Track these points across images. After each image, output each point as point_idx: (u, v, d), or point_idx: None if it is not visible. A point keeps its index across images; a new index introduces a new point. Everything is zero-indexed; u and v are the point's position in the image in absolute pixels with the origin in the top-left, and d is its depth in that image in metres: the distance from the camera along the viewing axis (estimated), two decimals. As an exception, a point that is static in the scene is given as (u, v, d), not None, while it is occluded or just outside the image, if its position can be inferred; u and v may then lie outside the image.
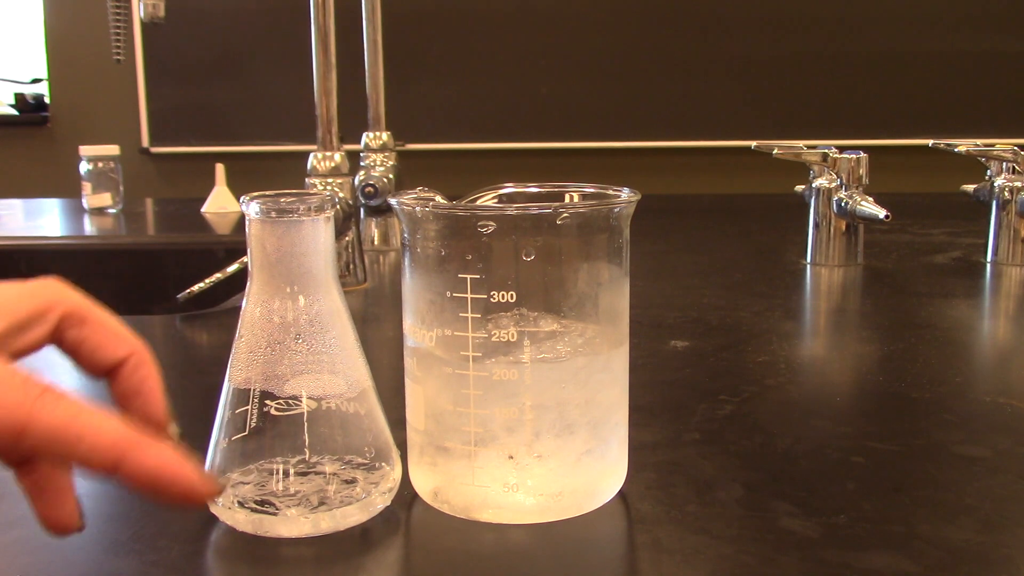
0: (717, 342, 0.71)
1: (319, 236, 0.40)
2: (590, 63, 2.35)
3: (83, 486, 0.45)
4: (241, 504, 0.39)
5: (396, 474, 0.42)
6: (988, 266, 1.01)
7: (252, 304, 0.41)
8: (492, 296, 0.38)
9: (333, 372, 0.41)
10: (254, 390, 0.40)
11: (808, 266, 1.01)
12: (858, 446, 0.49)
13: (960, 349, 0.72)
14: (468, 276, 0.38)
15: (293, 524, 0.39)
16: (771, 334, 0.74)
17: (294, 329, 0.40)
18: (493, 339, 0.38)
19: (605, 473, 0.42)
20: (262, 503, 0.39)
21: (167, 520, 0.41)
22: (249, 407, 0.40)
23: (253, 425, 0.40)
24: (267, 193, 0.40)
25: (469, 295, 0.38)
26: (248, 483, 0.40)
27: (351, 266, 0.93)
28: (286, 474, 0.40)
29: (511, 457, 0.39)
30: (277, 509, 0.39)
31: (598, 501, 0.41)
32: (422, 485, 0.42)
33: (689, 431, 0.51)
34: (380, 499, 0.41)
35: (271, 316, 0.40)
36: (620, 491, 0.43)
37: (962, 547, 0.38)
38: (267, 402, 0.40)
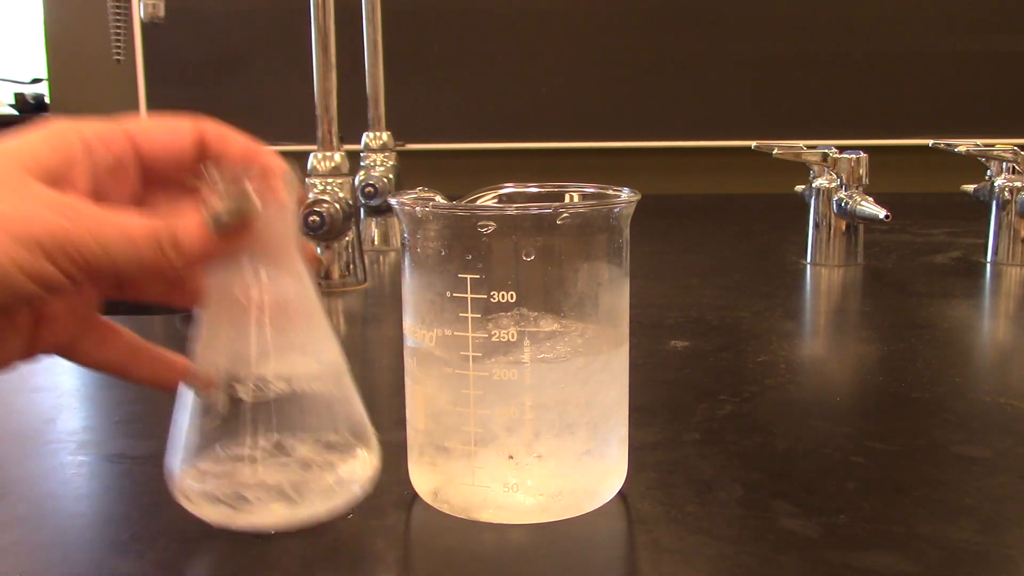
0: (717, 342, 0.71)
1: (281, 209, 0.38)
2: (590, 63, 2.35)
3: (82, 486, 0.45)
4: (211, 496, 0.37)
5: (375, 459, 0.40)
6: (988, 266, 1.01)
7: (214, 283, 0.38)
8: (492, 296, 0.38)
9: (303, 352, 0.39)
10: (219, 374, 0.38)
11: (808, 266, 1.01)
12: (858, 446, 0.49)
13: (960, 349, 0.72)
14: (468, 276, 0.38)
15: (268, 514, 0.37)
16: (771, 334, 0.74)
17: (258, 308, 0.37)
18: (493, 339, 0.38)
19: (605, 473, 0.42)
20: (234, 494, 0.37)
21: (167, 520, 0.41)
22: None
23: (220, 411, 0.37)
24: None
25: (469, 295, 0.38)
26: (218, 472, 0.37)
27: (351, 266, 0.93)
28: (257, 461, 0.38)
29: (511, 457, 0.39)
30: (250, 500, 0.37)
31: (598, 501, 0.41)
32: (422, 485, 0.42)
33: (689, 431, 0.51)
34: (359, 486, 0.39)
35: (234, 295, 0.38)
36: (620, 491, 0.43)
37: (962, 547, 0.38)
38: (234, 385, 0.37)
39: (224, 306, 0.38)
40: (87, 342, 0.38)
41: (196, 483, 0.37)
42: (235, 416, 0.37)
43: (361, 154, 1.18)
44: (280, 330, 0.38)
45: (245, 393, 0.37)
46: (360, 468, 0.39)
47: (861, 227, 1.01)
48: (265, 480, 0.37)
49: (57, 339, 0.37)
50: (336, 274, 0.92)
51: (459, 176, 2.28)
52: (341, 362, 0.40)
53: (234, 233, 0.34)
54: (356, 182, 1.09)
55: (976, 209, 1.07)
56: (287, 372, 0.38)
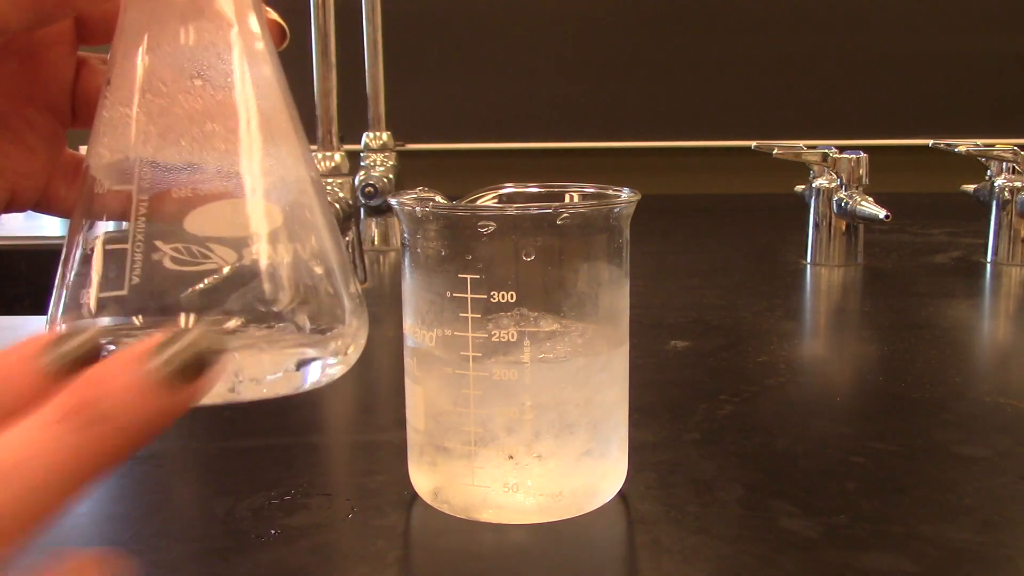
0: (717, 342, 0.71)
1: None
2: (590, 63, 2.35)
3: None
4: None
5: (352, 331, 0.27)
6: (988, 266, 1.01)
7: (117, 54, 0.25)
8: (492, 296, 0.38)
9: (255, 171, 0.25)
10: (115, 185, 0.25)
11: (808, 266, 1.01)
12: (858, 446, 0.49)
13: (960, 349, 0.72)
14: (468, 276, 0.38)
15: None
16: (771, 334, 0.74)
17: (189, 66, 0.24)
18: (493, 339, 0.38)
19: (605, 473, 0.42)
20: None
21: (167, 520, 0.41)
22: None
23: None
24: None
25: (469, 295, 0.38)
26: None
27: (351, 266, 0.93)
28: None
29: (511, 457, 0.39)
30: None
31: (598, 501, 0.41)
32: (422, 485, 0.42)
33: (689, 431, 0.51)
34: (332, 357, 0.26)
35: (141, 71, 0.24)
36: (620, 491, 0.43)
37: (962, 547, 0.38)
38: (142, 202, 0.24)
39: (129, 89, 0.25)
40: (59, 184, 0.31)
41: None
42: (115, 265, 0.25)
43: (361, 154, 1.18)
44: (224, 131, 0.25)
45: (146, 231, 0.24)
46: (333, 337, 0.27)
47: (861, 227, 1.01)
48: None
49: (30, 184, 0.30)
50: (336, 274, 0.92)
51: (459, 176, 2.28)
52: (307, 172, 0.27)
53: None
54: (356, 182, 1.09)
55: (976, 209, 1.07)
56: (215, 189, 0.25)
